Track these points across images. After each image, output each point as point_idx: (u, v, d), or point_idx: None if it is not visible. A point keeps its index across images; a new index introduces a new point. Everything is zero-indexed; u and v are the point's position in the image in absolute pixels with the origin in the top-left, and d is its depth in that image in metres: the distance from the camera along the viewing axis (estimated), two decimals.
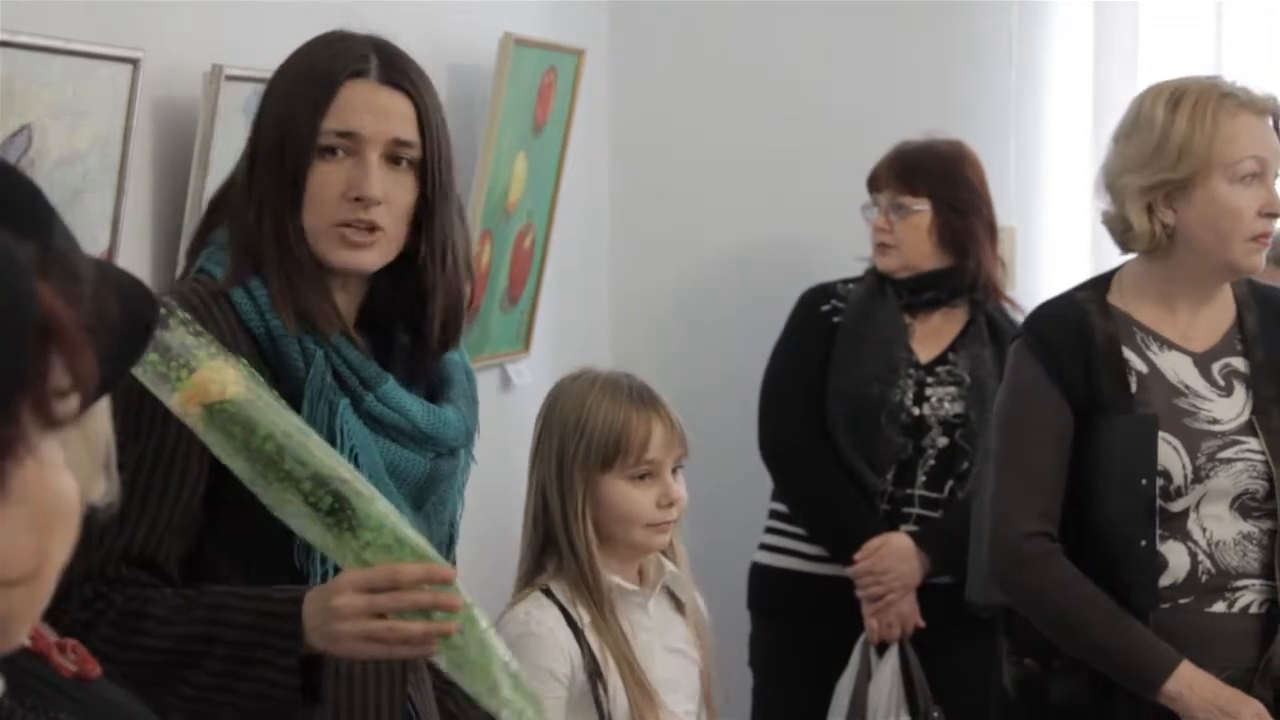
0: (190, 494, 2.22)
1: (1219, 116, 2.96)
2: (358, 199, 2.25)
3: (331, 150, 2.26)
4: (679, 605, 2.89)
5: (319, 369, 2.25)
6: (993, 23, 4.46)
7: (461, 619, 2.10)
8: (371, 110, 2.28)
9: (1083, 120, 4.46)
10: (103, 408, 1.19)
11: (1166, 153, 2.98)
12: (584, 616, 2.75)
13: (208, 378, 2.05)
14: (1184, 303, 3.04)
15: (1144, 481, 2.94)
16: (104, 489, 1.16)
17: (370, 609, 2.08)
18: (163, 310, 2.05)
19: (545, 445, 2.83)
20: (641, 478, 2.80)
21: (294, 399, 2.21)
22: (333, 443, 2.21)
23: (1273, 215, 2.97)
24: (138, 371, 2.04)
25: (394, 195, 2.28)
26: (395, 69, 2.31)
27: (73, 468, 1.14)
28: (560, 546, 2.79)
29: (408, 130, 2.29)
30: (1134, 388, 2.99)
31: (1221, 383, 3.02)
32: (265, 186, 2.27)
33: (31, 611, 1.07)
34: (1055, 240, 4.50)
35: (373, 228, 2.26)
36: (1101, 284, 3.11)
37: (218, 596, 2.19)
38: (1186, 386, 3.01)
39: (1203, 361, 3.03)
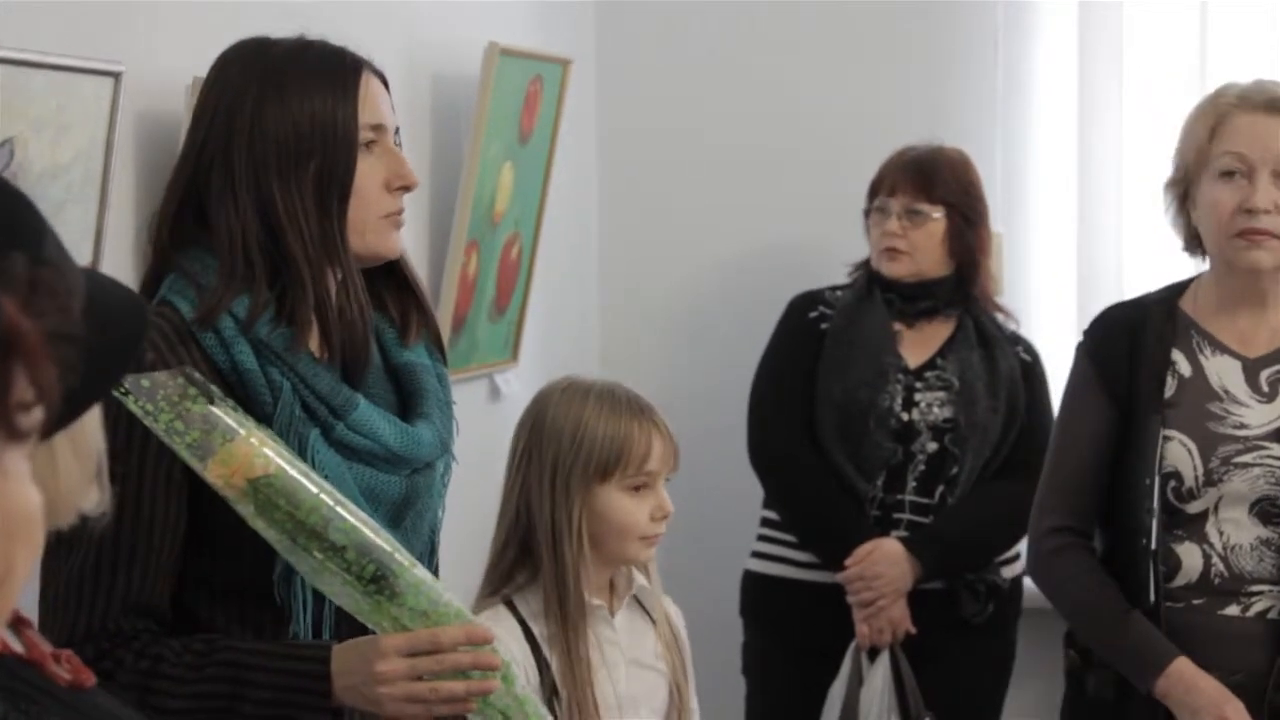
0: (174, 533, 2.21)
1: (1209, 116, 3.01)
2: (402, 188, 2.31)
3: (368, 145, 2.29)
4: (649, 617, 2.87)
5: (287, 402, 2.23)
6: (978, 27, 4.46)
7: (499, 677, 2.16)
8: (383, 100, 2.32)
9: (1068, 125, 4.46)
10: (94, 418, 1.18)
11: (1175, 154, 3.07)
12: (549, 631, 2.70)
13: (251, 451, 2.08)
14: (1241, 307, 3.06)
15: (1147, 481, 2.97)
16: (96, 499, 1.16)
17: (413, 672, 2.13)
18: (184, 379, 2.08)
19: (534, 456, 2.76)
20: (637, 489, 2.76)
21: None
22: None
23: (1251, 211, 2.96)
24: (172, 441, 2.05)
25: (418, 183, 2.37)
26: (369, 59, 2.34)
27: (64, 478, 1.13)
28: (541, 558, 2.72)
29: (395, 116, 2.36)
30: (1170, 390, 3.02)
31: (1266, 389, 3.04)
32: (301, 193, 2.24)
33: None
34: (1042, 246, 4.49)
35: (402, 213, 2.33)
36: (1178, 288, 3.14)
37: (233, 654, 2.18)
38: (1226, 391, 3.02)
39: (1253, 367, 3.05)
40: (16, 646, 1.22)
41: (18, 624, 1.23)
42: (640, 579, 2.83)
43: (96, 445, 1.15)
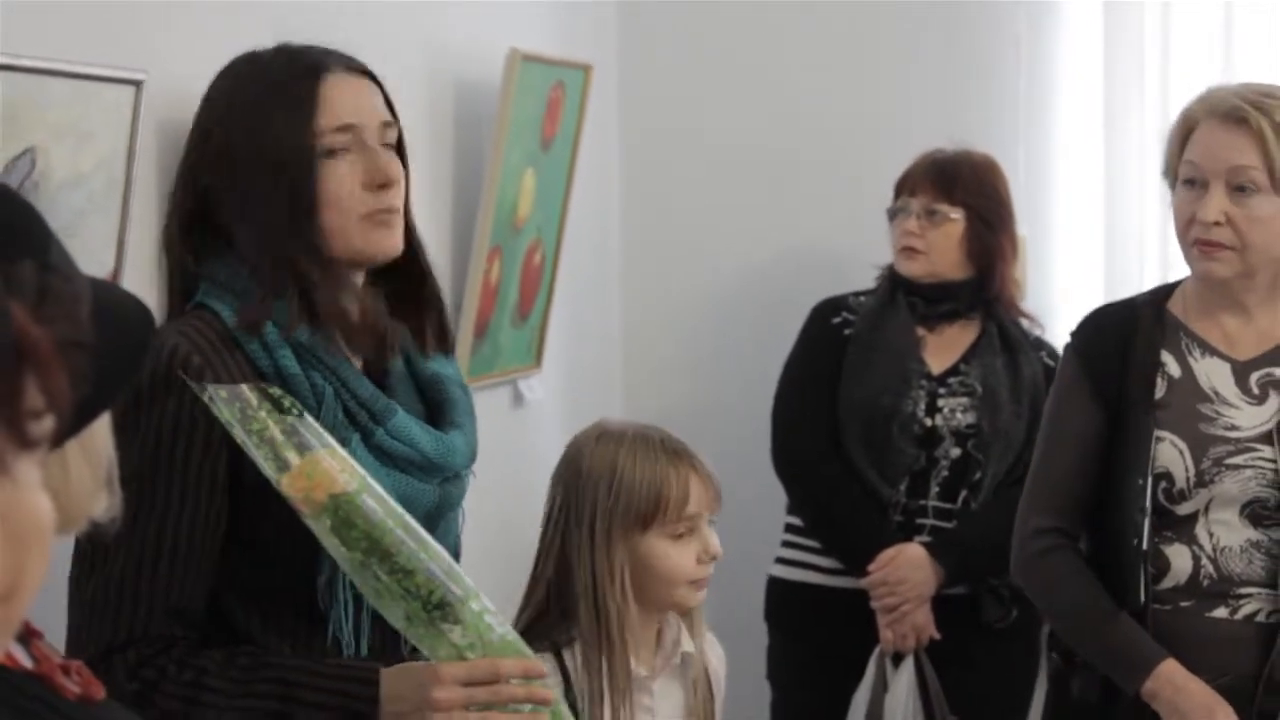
0: (214, 536, 2.22)
1: (1185, 121, 3.03)
2: (382, 186, 2.28)
3: (333, 150, 2.27)
4: (686, 676, 2.78)
5: (330, 406, 2.24)
6: (1000, 31, 4.45)
7: (551, 713, 2.17)
8: (356, 98, 2.30)
9: (1093, 127, 4.45)
10: (103, 425, 1.18)
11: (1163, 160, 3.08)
12: (590, 688, 2.64)
13: (334, 465, 2.09)
14: (1224, 310, 3.06)
15: (1140, 482, 2.96)
16: (106, 505, 1.16)
17: (468, 701, 2.12)
18: (290, 402, 2.10)
19: (572, 509, 2.68)
20: (680, 535, 2.69)
21: None
22: None
23: (1202, 223, 2.96)
24: (254, 450, 2.06)
25: (399, 176, 2.32)
26: (348, 58, 2.33)
27: (75, 484, 1.14)
28: (580, 613, 2.65)
29: (386, 112, 2.33)
30: (1161, 391, 3.01)
31: (1256, 391, 3.03)
32: (273, 208, 2.26)
33: (7, 630, 1.07)
34: (1066, 249, 4.49)
35: (391, 210, 2.30)
36: (1165, 291, 3.15)
37: (281, 671, 2.18)
38: (1216, 393, 3.02)
39: (1243, 370, 3.04)
40: (24, 660, 1.22)
41: (28, 635, 1.23)
42: (688, 644, 2.76)
43: (107, 452, 1.16)
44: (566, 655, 2.65)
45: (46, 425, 1.02)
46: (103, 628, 2.18)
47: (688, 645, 2.77)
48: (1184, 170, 3.00)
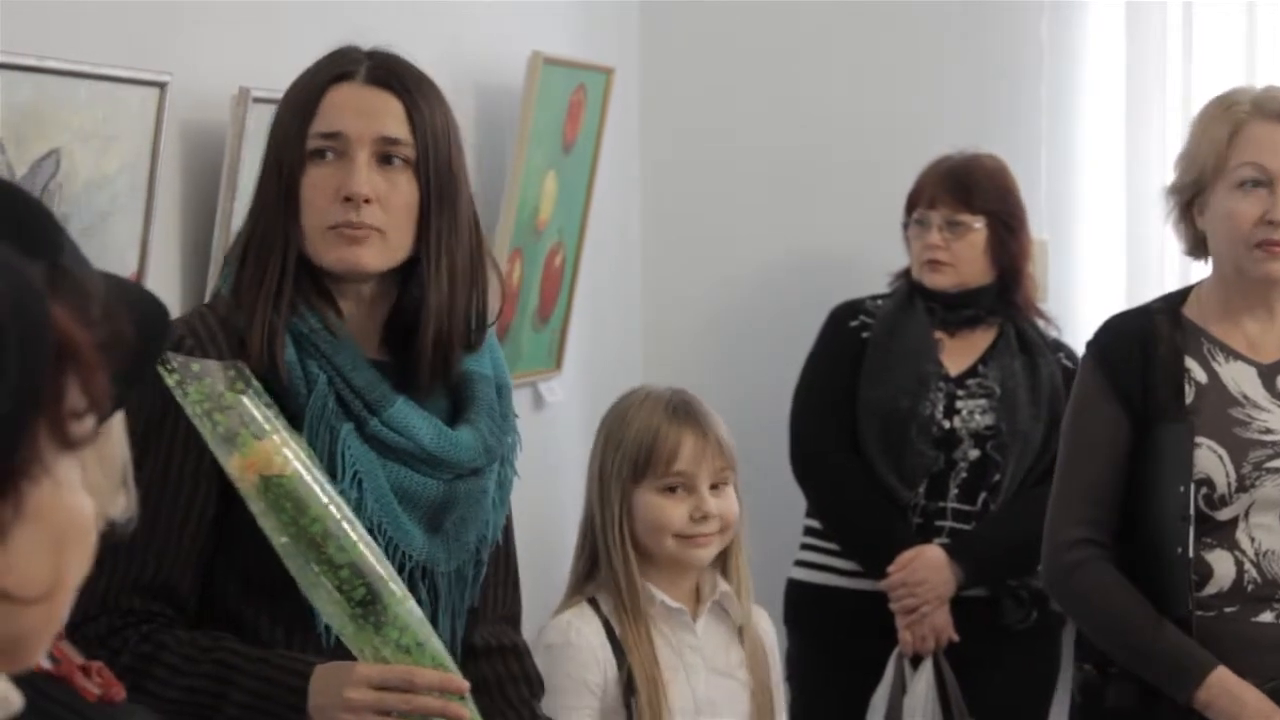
0: (199, 519, 2.23)
1: (1224, 123, 3.00)
2: (347, 199, 2.24)
3: (321, 154, 2.27)
4: (734, 625, 2.91)
5: (320, 394, 2.24)
6: (1024, 34, 4.45)
7: None
8: (356, 109, 2.28)
9: (1115, 131, 4.44)
10: (118, 425, 1.19)
11: (1185, 158, 3.06)
12: (622, 629, 2.81)
13: (271, 449, 2.10)
14: (1248, 313, 3.06)
15: (1181, 489, 2.95)
16: (123, 506, 1.17)
17: (379, 706, 2.13)
18: (235, 372, 2.11)
19: (592, 460, 2.92)
20: (673, 490, 2.85)
21: (298, 423, 2.22)
22: (335, 468, 2.23)
23: (1273, 223, 2.95)
24: (202, 427, 2.07)
25: (388, 194, 2.26)
26: (384, 70, 2.30)
27: (91, 486, 1.14)
28: (601, 559, 2.86)
29: (395, 128, 2.28)
30: (1190, 397, 3.00)
31: None
32: (264, 199, 2.29)
33: (48, 630, 1.08)
34: (1088, 253, 4.48)
35: (360, 226, 2.25)
36: (1179, 296, 3.13)
37: (229, 654, 2.20)
38: (1245, 397, 3.01)
39: (1268, 372, 3.04)
40: (44, 661, 1.22)
41: None
42: (723, 585, 2.89)
43: (122, 451, 1.16)
44: (602, 601, 2.84)
45: (88, 425, 1.03)
46: (81, 598, 2.20)
47: (724, 586, 2.90)
48: (1245, 171, 2.97)
